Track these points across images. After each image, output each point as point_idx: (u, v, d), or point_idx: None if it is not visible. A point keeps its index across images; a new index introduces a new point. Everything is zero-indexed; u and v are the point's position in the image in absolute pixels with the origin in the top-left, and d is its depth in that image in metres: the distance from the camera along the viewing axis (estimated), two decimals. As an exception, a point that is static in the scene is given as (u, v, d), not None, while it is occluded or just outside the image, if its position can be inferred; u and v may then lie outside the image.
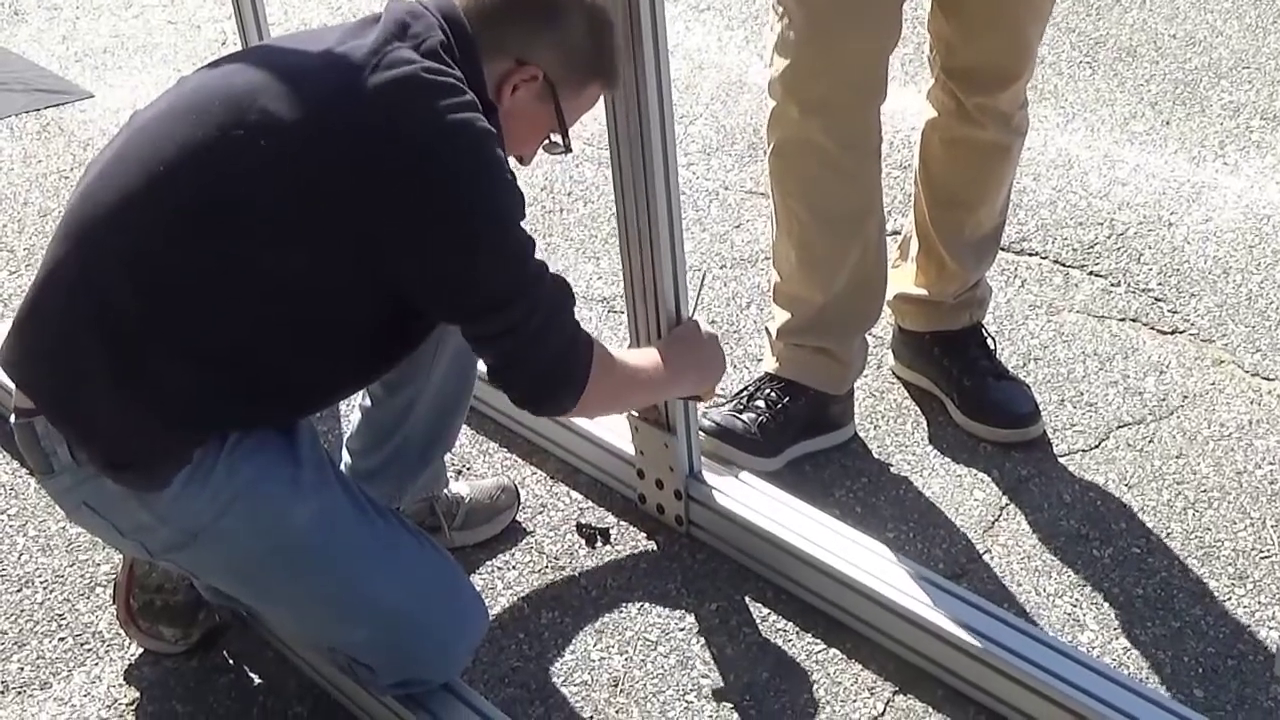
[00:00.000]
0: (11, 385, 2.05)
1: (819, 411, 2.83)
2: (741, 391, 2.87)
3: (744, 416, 2.79)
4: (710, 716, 2.28)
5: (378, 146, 1.85)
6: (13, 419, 2.03)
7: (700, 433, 2.67)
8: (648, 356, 2.31)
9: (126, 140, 1.97)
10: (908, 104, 2.97)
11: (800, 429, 2.81)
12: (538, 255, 2.01)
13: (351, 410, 2.53)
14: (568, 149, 2.13)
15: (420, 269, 1.92)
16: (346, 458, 2.51)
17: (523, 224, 1.98)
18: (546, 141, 2.14)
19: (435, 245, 1.89)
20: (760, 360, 3.08)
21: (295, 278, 1.90)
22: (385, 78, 1.87)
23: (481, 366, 2.56)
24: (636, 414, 2.58)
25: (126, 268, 1.90)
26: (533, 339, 2.00)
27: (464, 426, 2.77)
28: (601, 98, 2.21)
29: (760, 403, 2.81)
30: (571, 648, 2.42)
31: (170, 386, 1.91)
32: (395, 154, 1.85)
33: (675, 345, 2.37)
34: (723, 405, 2.84)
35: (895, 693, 2.31)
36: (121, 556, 2.44)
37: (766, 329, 2.90)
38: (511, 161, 2.05)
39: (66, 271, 1.95)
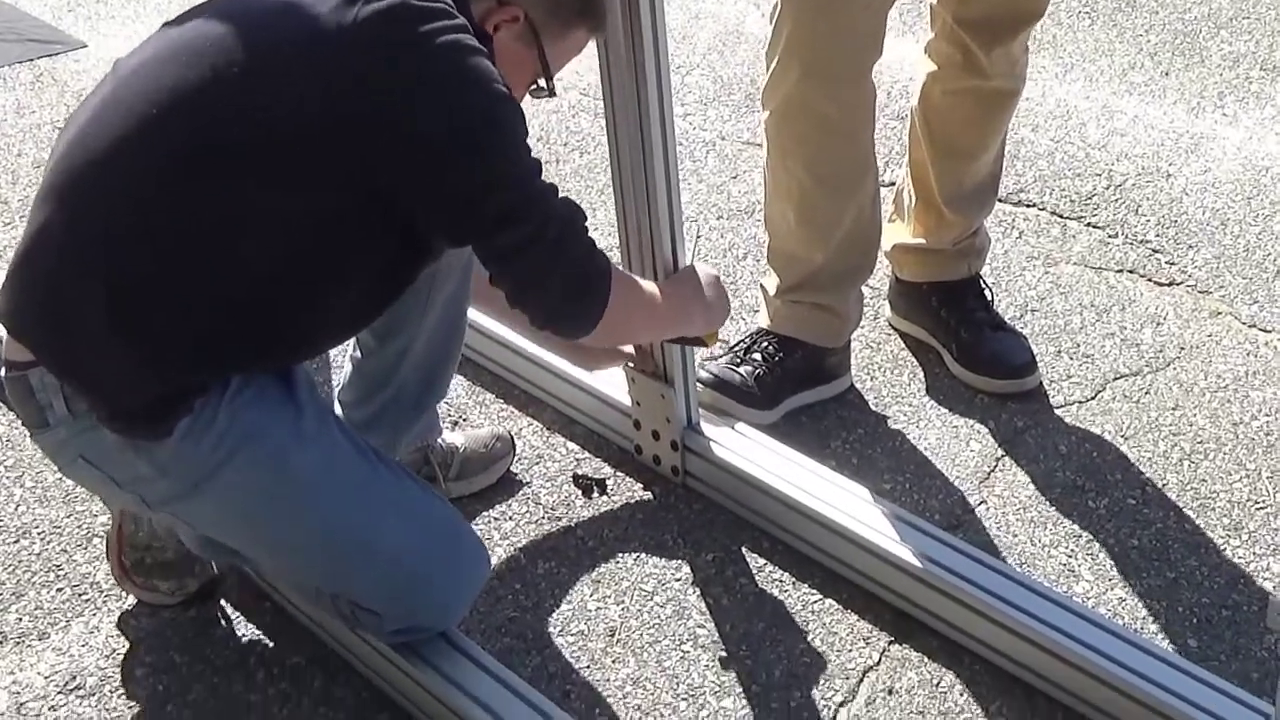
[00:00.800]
0: (3, 336, 2.04)
1: (816, 364, 2.82)
2: (738, 344, 2.86)
3: (741, 369, 2.78)
4: (706, 666, 2.29)
5: (370, 80, 1.83)
6: (3, 372, 2.02)
7: (697, 384, 2.66)
8: (655, 287, 2.29)
9: (115, 87, 1.94)
10: (904, 54, 2.95)
11: (797, 381, 2.81)
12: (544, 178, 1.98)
13: (343, 362, 2.53)
14: (551, 93, 2.11)
15: (426, 194, 1.89)
16: (339, 410, 2.50)
17: (528, 141, 1.95)
18: (533, 86, 2.12)
19: (435, 165, 1.87)
20: (756, 312, 3.08)
21: (292, 220, 1.88)
22: (374, 9, 1.85)
23: (474, 315, 2.57)
24: (633, 365, 2.58)
25: (118, 215, 1.88)
26: (552, 251, 1.96)
27: (459, 377, 2.78)
28: (595, 45, 2.20)
29: (757, 355, 2.81)
30: (568, 598, 2.43)
31: (166, 334, 1.90)
32: (389, 86, 1.84)
33: (679, 283, 2.36)
34: (719, 358, 2.83)
35: (890, 642, 2.32)
36: (112, 513, 2.43)
37: (762, 286, 2.89)
38: None
39: (56, 222, 1.93)
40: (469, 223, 1.94)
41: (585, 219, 2.03)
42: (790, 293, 2.80)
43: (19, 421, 2.78)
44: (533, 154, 1.96)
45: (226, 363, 1.96)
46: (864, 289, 2.88)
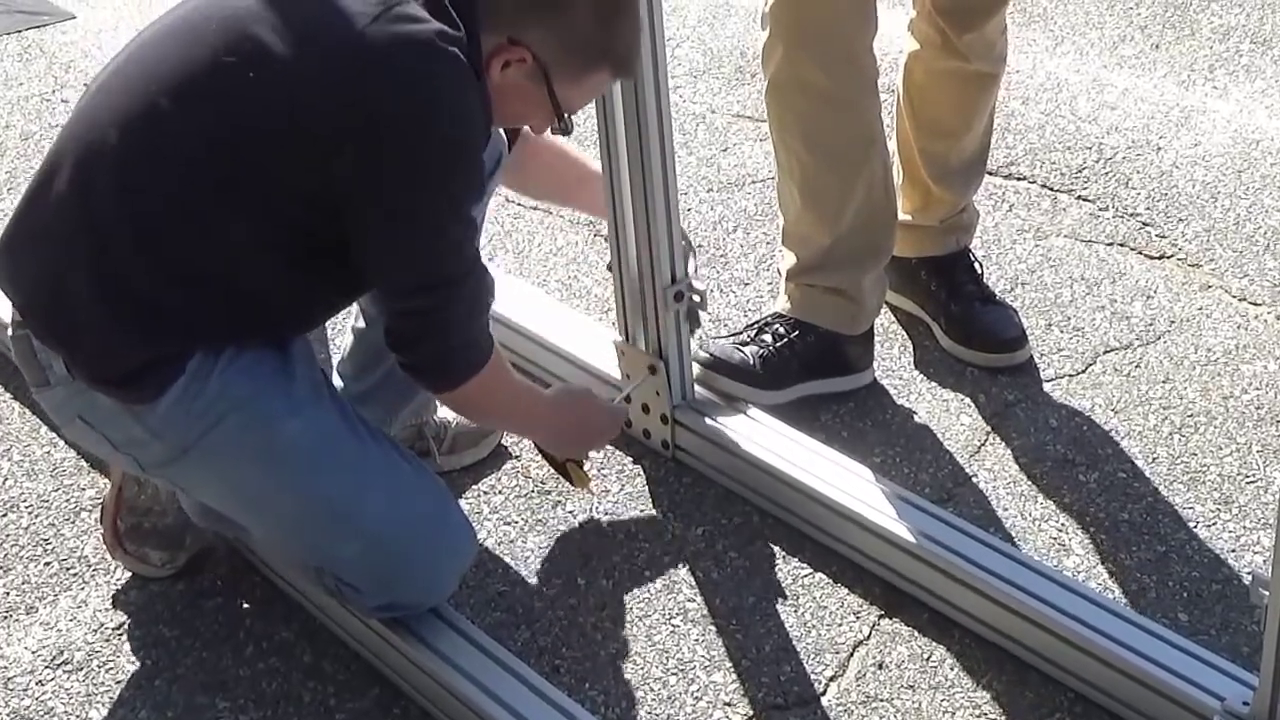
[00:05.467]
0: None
1: (830, 351, 2.74)
2: (748, 326, 2.80)
3: (746, 349, 2.70)
4: (696, 641, 2.28)
5: (361, 104, 1.84)
6: (10, 331, 2.05)
7: (695, 362, 2.64)
8: (534, 391, 2.33)
9: (127, 58, 1.98)
10: (891, 29, 2.93)
11: (807, 366, 2.72)
12: (477, 244, 2.02)
13: (342, 333, 2.51)
14: (566, 132, 2.08)
15: (368, 227, 1.91)
16: (339, 381, 2.49)
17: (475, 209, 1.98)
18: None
19: (386, 208, 1.89)
20: (747, 284, 3.06)
21: (280, 206, 1.90)
22: (388, 33, 1.84)
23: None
24: (622, 337, 2.57)
25: (117, 191, 1.91)
26: (441, 326, 2.00)
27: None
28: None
29: (767, 337, 2.72)
30: (557, 572, 2.41)
31: (155, 304, 1.92)
32: (373, 113, 1.84)
33: (564, 396, 2.39)
34: (723, 337, 2.78)
35: (881, 617, 2.31)
36: (109, 479, 2.42)
37: (777, 269, 2.84)
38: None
39: (57, 187, 1.95)
40: (389, 273, 1.97)
41: (491, 301, 2.06)
42: (803, 275, 2.72)
43: (6, 394, 2.79)
44: (475, 223, 2.00)
45: (217, 333, 1.97)
46: (884, 273, 2.79)
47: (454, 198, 1.94)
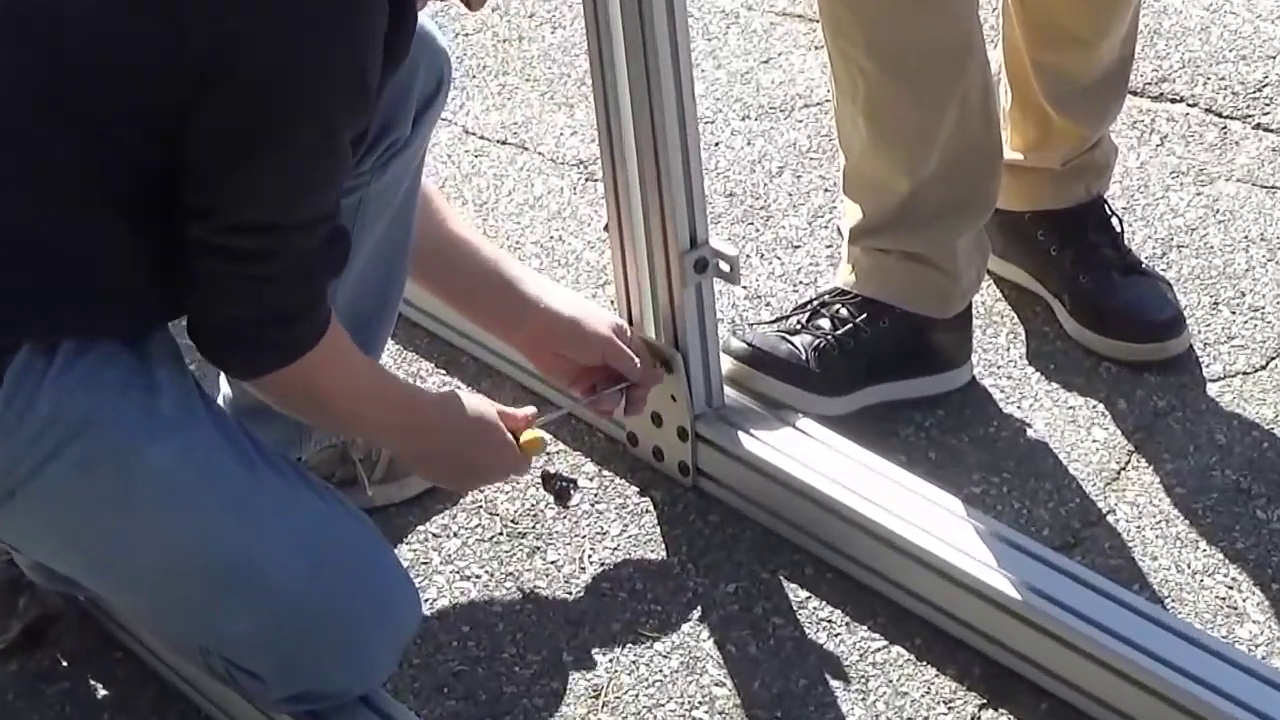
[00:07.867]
0: None
1: (912, 341, 2.75)
2: (799, 308, 2.81)
3: (797, 339, 2.72)
4: (726, 740, 2.30)
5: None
6: None
7: (726, 356, 2.66)
8: (408, 397, 2.31)
9: None
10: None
11: (880, 362, 2.73)
12: (334, 199, 2.01)
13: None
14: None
15: (212, 150, 1.91)
16: (226, 389, 2.50)
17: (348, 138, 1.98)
18: None
19: (242, 127, 1.89)
20: (798, 246, 3.08)
21: (116, 134, 1.91)
22: None
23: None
24: (625, 321, 2.57)
25: None
26: (251, 283, 1.98)
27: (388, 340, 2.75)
28: None
29: (824, 322, 2.74)
30: (535, 645, 2.43)
31: None
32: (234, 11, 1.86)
33: (450, 413, 2.32)
34: (766, 325, 2.80)
35: (982, 706, 2.31)
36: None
37: (838, 228, 2.85)
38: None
39: None
40: (211, 196, 1.94)
41: (334, 275, 2.07)
42: (872, 236, 2.73)
43: None
44: (348, 158, 2.00)
45: (16, 326, 1.96)
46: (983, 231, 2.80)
47: (324, 112, 1.93)
